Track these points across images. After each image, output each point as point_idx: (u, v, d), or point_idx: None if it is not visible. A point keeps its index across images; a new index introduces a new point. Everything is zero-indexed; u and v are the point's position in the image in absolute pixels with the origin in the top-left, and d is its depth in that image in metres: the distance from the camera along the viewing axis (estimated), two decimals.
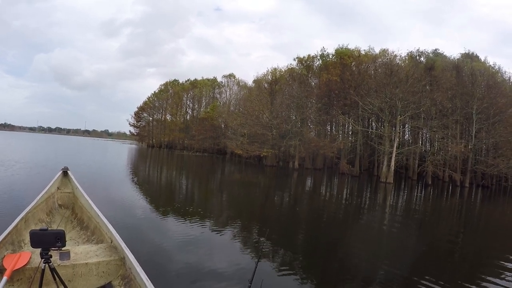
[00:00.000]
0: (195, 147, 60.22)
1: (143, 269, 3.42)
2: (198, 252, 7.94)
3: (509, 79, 49.45)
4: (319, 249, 9.40)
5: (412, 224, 14.94)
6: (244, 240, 9.39)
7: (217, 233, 9.78)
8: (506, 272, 8.09)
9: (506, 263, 8.85)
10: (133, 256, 3.70)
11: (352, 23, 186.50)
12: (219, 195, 18.71)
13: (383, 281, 6.97)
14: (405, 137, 42.81)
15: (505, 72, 48.51)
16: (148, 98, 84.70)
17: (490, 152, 39.14)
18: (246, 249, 8.60)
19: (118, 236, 4.18)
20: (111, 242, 4.33)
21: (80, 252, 3.91)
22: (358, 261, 8.21)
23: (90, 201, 5.86)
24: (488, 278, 7.56)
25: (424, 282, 6.76)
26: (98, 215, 5.19)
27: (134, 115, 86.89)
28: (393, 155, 32.84)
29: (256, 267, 3.74)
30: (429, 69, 39.31)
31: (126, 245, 3.97)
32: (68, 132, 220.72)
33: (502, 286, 7.07)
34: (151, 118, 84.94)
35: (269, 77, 42.68)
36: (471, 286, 6.92)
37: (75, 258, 3.71)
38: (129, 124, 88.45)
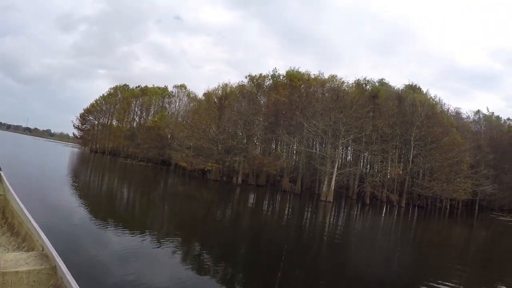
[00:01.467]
0: (139, 156, 57.90)
1: (76, 279, 3.18)
2: (137, 265, 7.69)
3: (448, 111, 54.10)
4: (261, 265, 9.50)
5: (350, 242, 15.75)
6: (185, 254, 9.28)
7: (158, 246, 9.56)
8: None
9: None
10: (65, 265, 3.47)
11: (305, 47, 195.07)
12: (161, 207, 18.47)
13: None
14: (347, 159, 44.63)
15: (444, 104, 53.09)
16: (96, 101, 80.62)
17: (426, 176, 42.35)
18: (187, 264, 8.47)
19: (50, 243, 3.90)
20: (43, 250, 4.04)
21: (10, 259, 3.61)
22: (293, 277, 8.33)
23: (22, 206, 5.39)
24: None
25: None
26: (30, 221, 4.79)
27: (79, 117, 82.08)
28: (334, 176, 33.96)
29: None
30: (373, 97, 41.71)
31: (59, 254, 3.68)
32: (8, 127, 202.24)
33: None
34: (96, 122, 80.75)
35: (219, 91, 42.61)
36: None
37: (4, 266, 3.42)
38: (74, 126, 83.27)
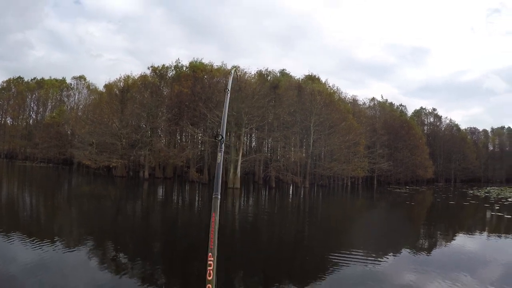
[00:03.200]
0: (38, 156, 53.04)
1: None
2: (49, 276, 7.20)
3: (345, 98, 59.05)
4: (178, 257, 9.49)
5: (262, 223, 16.75)
6: (100, 257, 8.94)
7: (70, 252, 9.07)
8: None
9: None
10: None
11: (209, 37, 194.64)
12: (68, 211, 17.46)
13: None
14: (252, 146, 46.34)
15: (342, 92, 57.78)
16: None
17: (326, 158, 46.00)
18: (103, 266, 8.16)
19: None
20: None
21: None
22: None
23: None
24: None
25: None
26: None
27: None
28: (239, 163, 35.05)
29: None
30: (274, 87, 43.64)
31: None
32: None
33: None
34: None
35: (121, 83, 40.79)
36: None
37: None
38: None
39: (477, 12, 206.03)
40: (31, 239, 10.19)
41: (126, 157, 38.35)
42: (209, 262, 1.92)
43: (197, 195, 29.18)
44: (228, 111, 3.36)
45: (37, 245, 9.55)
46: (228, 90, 3.44)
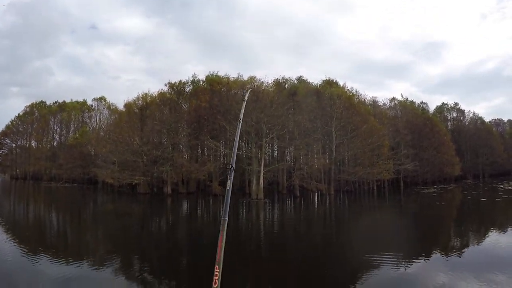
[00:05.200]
0: (63, 177, 54.07)
1: None
2: None
3: (365, 101, 57.67)
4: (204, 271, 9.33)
5: (284, 233, 16.60)
6: (126, 273, 9.15)
7: (97, 269, 9.31)
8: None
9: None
10: None
11: (223, 51, 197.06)
12: (93, 229, 18.13)
13: None
14: (274, 156, 45.71)
15: (361, 94, 56.47)
16: (12, 122, 73.62)
17: (350, 162, 44.85)
18: (129, 282, 8.35)
19: None
20: None
21: None
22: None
23: None
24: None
25: None
26: None
27: None
28: (261, 173, 34.51)
29: None
30: (292, 94, 43.04)
31: None
32: None
33: None
34: (14, 145, 74.01)
35: (140, 102, 41.09)
36: None
37: None
38: None
39: None
40: (59, 257, 10.47)
41: (149, 174, 38.41)
42: (215, 273, 2.23)
43: (220, 208, 28.71)
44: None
45: (65, 263, 9.81)
46: (240, 119, 3.80)
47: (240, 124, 3.62)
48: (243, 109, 4.39)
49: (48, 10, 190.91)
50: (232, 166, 2.76)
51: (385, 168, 45.58)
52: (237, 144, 3.17)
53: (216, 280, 2.21)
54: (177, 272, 9.74)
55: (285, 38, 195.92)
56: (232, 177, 2.69)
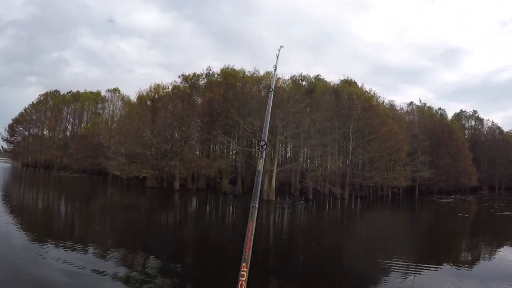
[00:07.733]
0: (74, 167, 53.73)
1: None
2: (83, 279, 7.84)
3: (383, 103, 55.76)
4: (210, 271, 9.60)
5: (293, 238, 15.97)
6: (130, 264, 9.44)
7: (102, 259, 9.68)
8: None
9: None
10: None
11: (239, 48, 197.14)
12: (100, 221, 18.18)
13: None
14: (287, 156, 44.31)
15: (379, 96, 54.57)
16: (25, 110, 74.03)
17: (366, 166, 43.12)
18: (130, 273, 8.54)
19: None
20: None
21: None
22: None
23: None
24: None
25: None
26: None
27: (8, 128, 75.08)
28: (274, 173, 33.25)
29: None
30: (309, 92, 41.59)
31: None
32: None
33: None
34: (27, 133, 74.34)
35: (152, 93, 40.15)
36: None
37: None
38: (2, 138, 76.15)
39: (504, 3, 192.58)
40: (65, 246, 10.68)
41: (157, 167, 37.46)
42: (241, 273, 1.66)
43: (228, 207, 28.10)
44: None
45: (71, 251, 10.13)
46: (272, 89, 3.28)
47: (272, 94, 3.04)
48: (274, 79, 4.12)
49: (67, 2, 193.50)
50: (265, 143, 2.25)
51: (402, 174, 43.77)
52: (269, 114, 2.68)
53: (243, 282, 1.67)
54: (179, 269, 9.65)
55: (301, 36, 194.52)
56: (264, 156, 2.22)
